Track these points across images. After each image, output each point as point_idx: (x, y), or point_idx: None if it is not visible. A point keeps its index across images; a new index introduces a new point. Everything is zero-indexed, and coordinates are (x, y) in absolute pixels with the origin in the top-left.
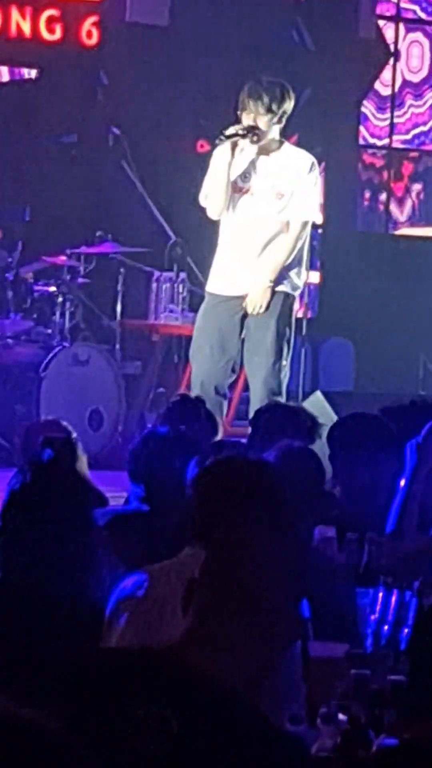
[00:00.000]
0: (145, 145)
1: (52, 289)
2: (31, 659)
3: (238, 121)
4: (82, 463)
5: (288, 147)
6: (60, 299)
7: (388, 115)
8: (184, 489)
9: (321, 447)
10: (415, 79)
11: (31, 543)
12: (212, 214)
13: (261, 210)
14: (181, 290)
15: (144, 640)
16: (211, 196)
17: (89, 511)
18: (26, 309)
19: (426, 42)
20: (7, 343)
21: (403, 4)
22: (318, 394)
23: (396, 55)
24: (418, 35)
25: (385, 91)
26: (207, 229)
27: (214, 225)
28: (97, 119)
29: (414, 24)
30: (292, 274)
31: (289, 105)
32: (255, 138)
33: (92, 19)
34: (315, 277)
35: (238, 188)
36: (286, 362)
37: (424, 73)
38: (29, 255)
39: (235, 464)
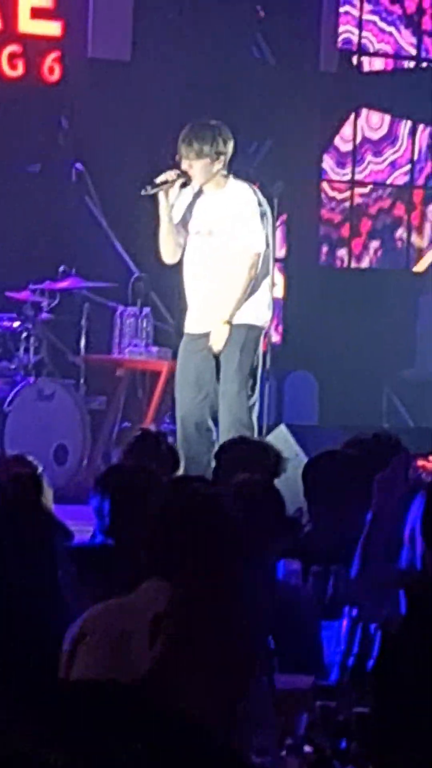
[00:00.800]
0: (109, 180)
1: (16, 324)
2: None
3: (176, 165)
4: (48, 498)
5: (233, 183)
6: (24, 335)
7: (347, 170)
8: (148, 523)
9: (285, 480)
10: (375, 136)
11: None
12: (165, 258)
13: (212, 247)
14: (144, 325)
15: (104, 672)
16: (160, 242)
17: (55, 545)
18: None
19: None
20: None
21: (365, 16)
22: (282, 427)
23: (360, 63)
24: (380, 45)
25: (345, 147)
26: (170, 265)
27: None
28: (60, 155)
29: (375, 56)
30: (253, 304)
31: (223, 146)
32: (185, 182)
33: (54, 54)
34: (278, 291)
35: (188, 228)
36: (253, 392)
37: (384, 130)
38: None
39: (192, 498)
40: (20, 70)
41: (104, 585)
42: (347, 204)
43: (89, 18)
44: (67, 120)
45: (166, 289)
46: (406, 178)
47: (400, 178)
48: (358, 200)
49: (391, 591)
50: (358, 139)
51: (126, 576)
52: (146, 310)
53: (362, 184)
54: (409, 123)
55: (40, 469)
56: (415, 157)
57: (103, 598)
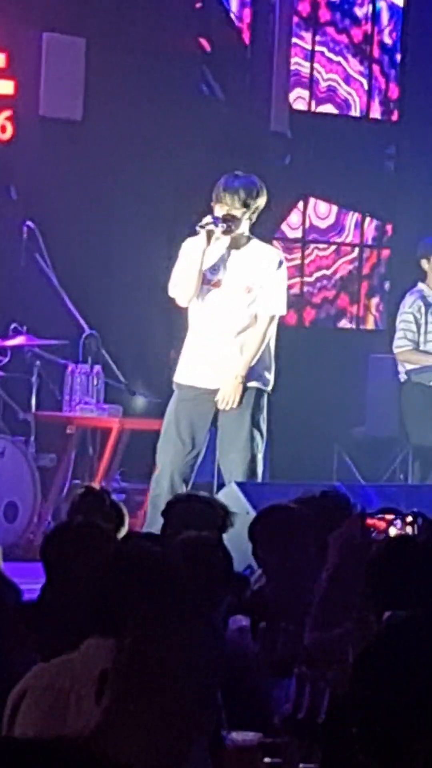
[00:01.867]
0: (59, 238)
1: None
2: None
3: (211, 211)
4: None
5: (256, 242)
6: None
7: (293, 255)
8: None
9: (235, 538)
10: (322, 225)
11: None
12: (182, 302)
13: (230, 303)
14: (95, 383)
15: (46, 730)
16: (183, 284)
17: (3, 603)
18: None
19: (337, 113)
20: None
21: (318, 44)
22: (233, 485)
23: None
24: (328, 107)
25: (292, 234)
26: (121, 322)
27: (130, 317)
28: (11, 213)
29: (329, 118)
30: (264, 369)
31: (262, 200)
32: (229, 228)
33: (6, 113)
34: None
35: (207, 281)
36: (260, 454)
37: (331, 220)
38: None
39: (136, 556)
40: None
41: (53, 642)
42: (291, 291)
43: (41, 77)
44: (16, 189)
45: (116, 346)
46: (351, 267)
47: (344, 267)
48: (301, 289)
49: (340, 648)
50: (306, 227)
51: (74, 632)
52: (97, 367)
53: (319, 241)
54: (357, 215)
55: None
56: (362, 247)
57: (51, 656)
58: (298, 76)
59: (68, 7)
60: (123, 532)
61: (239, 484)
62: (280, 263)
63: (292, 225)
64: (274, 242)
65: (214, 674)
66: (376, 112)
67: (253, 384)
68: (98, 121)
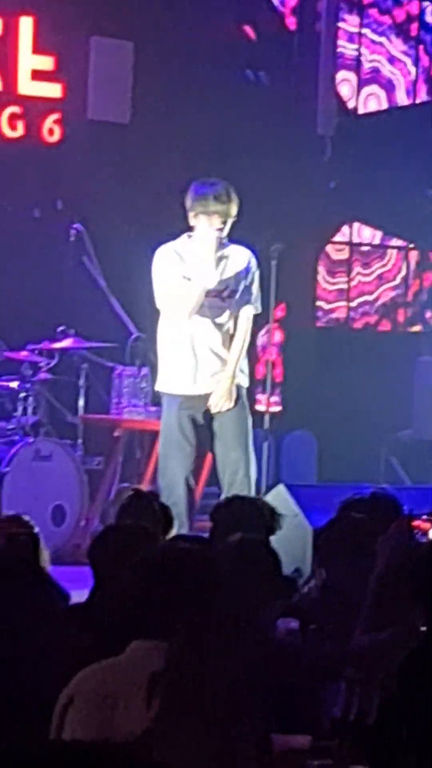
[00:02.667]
0: (107, 241)
1: (14, 384)
2: None
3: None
4: (45, 559)
5: (229, 245)
6: (22, 395)
7: (337, 279)
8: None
9: (284, 540)
10: (365, 249)
11: None
12: (185, 317)
13: (215, 308)
14: (143, 385)
15: (94, 733)
16: (189, 301)
17: (51, 607)
18: None
19: (383, 93)
20: None
21: (355, 29)
22: (280, 487)
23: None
24: (373, 87)
25: (337, 255)
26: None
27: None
28: (59, 216)
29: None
30: (245, 366)
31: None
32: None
33: (54, 116)
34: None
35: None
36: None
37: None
38: None
39: (185, 558)
40: (20, 131)
41: (102, 645)
42: (333, 315)
43: (89, 80)
44: (64, 193)
45: None
46: (393, 294)
47: (386, 293)
48: (344, 313)
49: (393, 652)
50: (350, 250)
51: (121, 635)
52: (145, 370)
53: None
54: (400, 241)
55: (37, 530)
56: (403, 273)
57: (100, 659)
58: (342, 59)
59: (115, 10)
60: (171, 534)
61: (287, 486)
62: (254, 262)
63: (337, 247)
64: (320, 267)
65: (263, 677)
66: (421, 92)
67: (240, 381)
68: (146, 123)
